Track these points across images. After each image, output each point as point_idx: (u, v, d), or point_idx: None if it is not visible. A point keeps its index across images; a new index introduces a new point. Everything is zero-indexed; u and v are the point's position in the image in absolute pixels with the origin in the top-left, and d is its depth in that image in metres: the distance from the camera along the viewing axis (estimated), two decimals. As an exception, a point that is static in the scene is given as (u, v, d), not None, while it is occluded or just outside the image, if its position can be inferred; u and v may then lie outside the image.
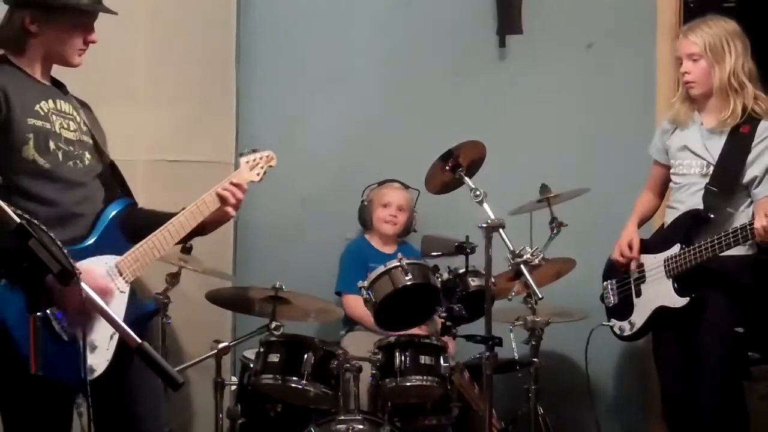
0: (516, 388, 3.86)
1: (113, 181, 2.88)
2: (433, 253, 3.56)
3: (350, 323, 4.23)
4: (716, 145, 3.55)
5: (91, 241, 2.69)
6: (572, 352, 4.49)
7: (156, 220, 2.86)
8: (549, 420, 3.87)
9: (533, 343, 3.62)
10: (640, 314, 3.69)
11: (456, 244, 3.47)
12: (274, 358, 3.51)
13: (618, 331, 3.81)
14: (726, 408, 3.55)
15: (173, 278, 3.72)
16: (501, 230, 3.19)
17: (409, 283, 3.47)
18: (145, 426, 2.85)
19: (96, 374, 2.61)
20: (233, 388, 3.83)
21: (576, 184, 3.85)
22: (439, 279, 3.52)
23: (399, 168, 4.36)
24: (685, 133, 3.65)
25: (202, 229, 2.95)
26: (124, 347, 2.54)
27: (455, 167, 3.37)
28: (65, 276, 1.86)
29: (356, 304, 3.97)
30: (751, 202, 3.52)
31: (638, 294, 3.70)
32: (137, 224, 2.85)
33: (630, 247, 3.73)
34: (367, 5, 4.64)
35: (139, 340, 1.96)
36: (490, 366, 3.20)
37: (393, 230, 4.31)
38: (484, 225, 3.19)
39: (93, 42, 2.77)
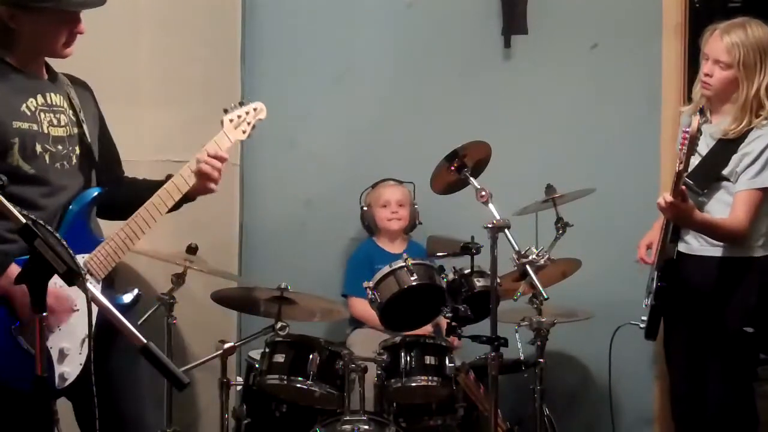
0: (521, 388, 3.85)
1: (102, 172, 2.81)
2: (439, 254, 3.56)
3: (356, 324, 4.23)
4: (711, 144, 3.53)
5: None
6: (578, 352, 4.50)
7: (142, 195, 2.77)
8: (555, 420, 3.87)
9: (539, 343, 3.62)
10: (646, 312, 3.69)
11: (461, 244, 3.47)
12: (280, 358, 3.51)
13: (641, 330, 3.80)
14: (734, 408, 3.54)
15: (179, 278, 3.72)
16: (506, 231, 3.19)
17: (414, 283, 3.47)
18: (129, 425, 2.81)
19: (68, 382, 2.60)
20: (239, 388, 3.83)
21: (581, 185, 3.85)
22: (445, 279, 3.52)
23: (404, 168, 4.36)
24: None
25: (183, 201, 2.85)
26: (100, 350, 2.48)
27: (460, 167, 3.37)
28: (71, 276, 1.85)
29: (362, 308, 3.97)
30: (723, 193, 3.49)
31: (650, 292, 3.71)
32: (121, 203, 2.78)
33: (649, 248, 3.73)
34: (372, 5, 4.64)
35: (145, 341, 1.96)
36: (496, 366, 3.20)
37: (399, 225, 4.29)
38: (490, 225, 3.19)
39: (81, 33, 2.67)
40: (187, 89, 4.20)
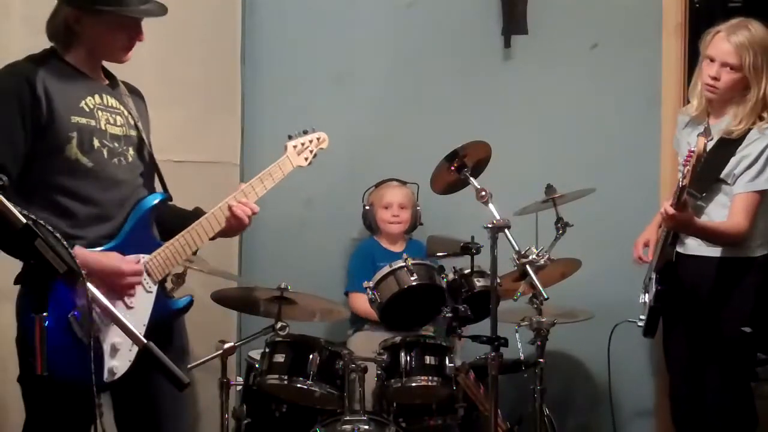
0: (521, 388, 3.85)
1: (152, 178, 2.88)
2: (439, 254, 3.56)
3: (357, 323, 4.23)
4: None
5: (118, 240, 2.68)
6: (578, 352, 4.50)
7: (186, 216, 2.87)
8: (554, 420, 3.87)
9: (539, 343, 3.61)
10: (644, 311, 3.69)
11: (461, 244, 3.47)
12: (280, 358, 3.51)
13: (639, 328, 3.81)
14: (733, 409, 3.54)
15: (179, 278, 3.69)
16: (506, 230, 3.19)
17: (414, 283, 3.47)
18: (167, 426, 2.86)
19: (116, 376, 2.62)
20: (239, 388, 3.83)
21: (581, 185, 3.85)
22: (445, 279, 3.52)
23: (404, 168, 4.35)
24: (692, 129, 3.63)
25: (228, 230, 2.94)
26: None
27: (460, 167, 3.37)
28: (71, 276, 1.86)
29: (362, 302, 3.97)
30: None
31: (647, 291, 3.70)
32: (170, 220, 2.86)
33: (647, 246, 3.74)
34: (372, 6, 4.64)
35: (145, 341, 1.97)
36: (496, 366, 3.20)
37: (399, 229, 4.30)
38: (490, 225, 3.18)
39: (140, 41, 2.76)
40: (187, 90, 4.19)
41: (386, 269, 3.53)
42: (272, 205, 4.49)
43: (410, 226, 4.34)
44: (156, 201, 2.78)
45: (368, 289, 3.54)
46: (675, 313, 3.60)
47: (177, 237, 2.78)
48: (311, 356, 3.48)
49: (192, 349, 4.12)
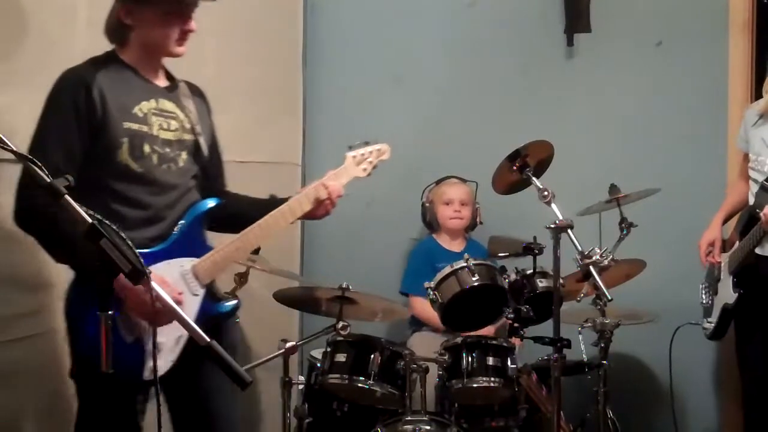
0: (585, 390, 3.81)
1: (207, 181, 2.90)
2: (501, 254, 3.54)
3: (417, 324, 4.23)
4: None
5: (168, 243, 2.71)
6: (642, 354, 4.44)
7: (247, 211, 2.90)
8: (618, 423, 3.82)
9: (602, 345, 3.57)
10: (715, 313, 3.63)
11: (523, 244, 3.44)
12: (341, 357, 3.52)
13: (703, 330, 3.75)
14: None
15: (241, 278, 3.72)
16: (569, 231, 3.16)
17: (476, 283, 3.45)
18: (219, 422, 2.90)
19: (158, 375, 2.64)
20: (301, 387, 3.84)
21: (646, 184, 3.79)
22: (507, 280, 3.50)
23: (464, 168, 4.34)
24: (765, 121, 3.56)
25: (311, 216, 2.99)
26: (196, 348, 2.60)
27: (523, 167, 3.35)
28: (136, 275, 1.88)
29: (423, 307, 3.97)
30: None
31: (716, 293, 3.64)
32: (227, 216, 2.89)
33: (712, 246, 3.67)
34: (432, 6, 4.64)
35: (208, 339, 1.98)
36: (559, 368, 3.17)
37: (460, 225, 4.32)
38: (553, 226, 3.16)
39: (191, 31, 2.75)
40: (250, 92, 4.23)
41: (447, 269, 3.52)
42: (333, 206, 4.55)
43: (470, 223, 4.34)
44: (209, 205, 2.81)
45: (429, 290, 3.53)
46: (753, 316, 3.52)
47: (227, 243, 2.79)
48: (372, 356, 3.48)
49: (254, 348, 4.18)
